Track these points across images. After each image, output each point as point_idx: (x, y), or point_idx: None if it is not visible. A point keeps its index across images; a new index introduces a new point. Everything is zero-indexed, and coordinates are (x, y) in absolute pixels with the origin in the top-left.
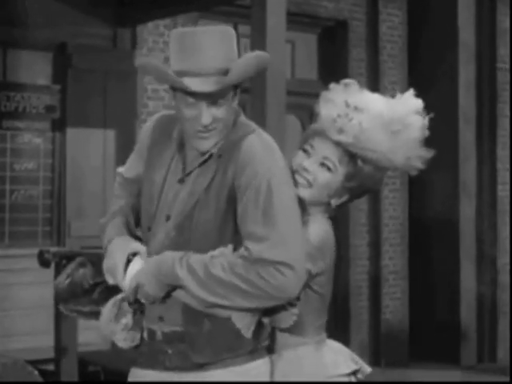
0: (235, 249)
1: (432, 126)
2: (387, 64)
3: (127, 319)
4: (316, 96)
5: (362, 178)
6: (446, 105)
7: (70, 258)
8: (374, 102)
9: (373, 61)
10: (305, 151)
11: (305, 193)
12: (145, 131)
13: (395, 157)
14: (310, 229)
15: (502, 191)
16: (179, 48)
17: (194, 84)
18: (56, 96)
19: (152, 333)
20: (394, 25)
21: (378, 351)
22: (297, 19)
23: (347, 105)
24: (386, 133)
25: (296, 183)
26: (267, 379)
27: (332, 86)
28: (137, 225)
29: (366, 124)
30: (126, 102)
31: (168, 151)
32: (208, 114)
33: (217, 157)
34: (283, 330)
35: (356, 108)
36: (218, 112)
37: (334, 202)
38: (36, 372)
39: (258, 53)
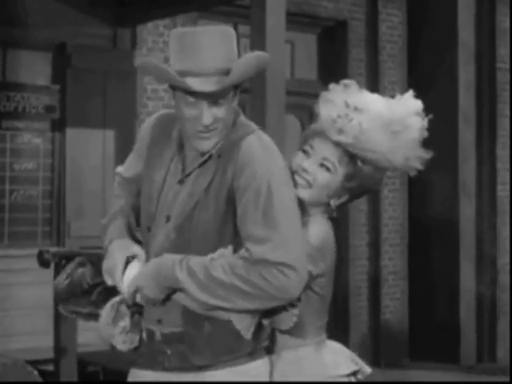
0: (235, 250)
1: (432, 126)
2: (387, 64)
3: (125, 322)
4: (316, 96)
5: (362, 179)
6: (445, 105)
7: (69, 258)
8: (374, 103)
9: (372, 61)
10: (304, 152)
11: (304, 193)
12: (144, 130)
13: (395, 157)
14: (310, 230)
15: (502, 191)
16: (179, 48)
17: (195, 84)
18: (55, 96)
19: (151, 333)
20: (393, 25)
21: (378, 351)
22: (296, 19)
23: (347, 105)
24: (386, 133)
25: (295, 184)
26: (266, 379)
27: (332, 86)
28: (138, 225)
29: (365, 124)
30: (125, 102)
31: (168, 151)
32: (209, 113)
33: (216, 157)
34: (283, 332)
35: (356, 108)
36: (219, 112)
37: (334, 203)
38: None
39: (257, 53)
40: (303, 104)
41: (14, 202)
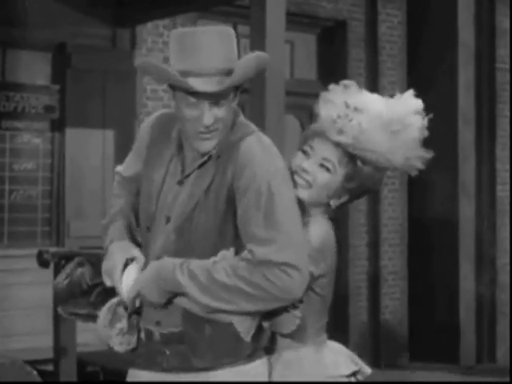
0: (236, 252)
1: (431, 126)
2: (386, 64)
3: (122, 324)
4: (315, 96)
5: (362, 179)
6: (445, 105)
7: (69, 258)
8: (374, 103)
9: (372, 61)
10: (304, 152)
11: (304, 194)
12: (144, 130)
13: (395, 157)
14: (311, 230)
15: (502, 191)
16: (179, 48)
17: (197, 84)
18: (55, 96)
19: (149, 334)
20: (393, 25)
21: (377, 351)
22: (296, 19)
23: (347, 105)
24: (386, 133)
25: (295, 184)
26: (266, 379)
27: (331, 86)
28: (137, 225)
29: (365, 125)
30: (125, 102)
31: (167, 151)
32: (210, 114)
33: (216, 158)
34: (284, 335)
35: (356, 109)
36: (220, 112)
37: (334, 203)
38: (35, 372)
39: (257, 53)
40: (303, 104)
41: (13, 202)
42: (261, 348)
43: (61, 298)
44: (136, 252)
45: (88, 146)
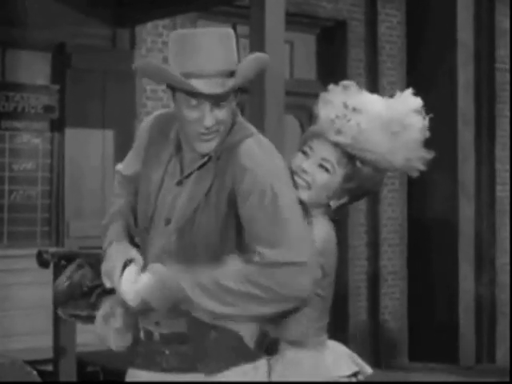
0: (237, 252)
1: (431, 126)
2: (386, 64)
3: (118, 323)
4: (315, 96)
5: (361, 180)
6: (444, 105)
7: (68, 258)
8: (373, 103)
9: (371, 61)
10: (304, 153)
11: (304, 194)
12: (142, 129)
13: (395, 158)
14: (313, 231)
15: (501, 192)
16: (179, 50)
17: (200, 85)
18: (55, 96)
19: (149, 333)
20: (392, 25)
21: (377, 352)
22: (295, 19)
23: (345, 106)
24: (385, 134)
25: (295, 185)
26: (266, 379)
27: (331, 87)
28: (136, 225)
29: (364, 125)
30: (124, 103)
31: (165, 151)
32: (211, 116)
33: (215, 159)
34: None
35: (354, 109)
36: (220, 114)
37: (333, 204)
38: (34, 372)
39: (258, 55)
40: (302, 104)
41: (13, 202)
42: (261, 349)
43: (61, 300)
44: (135, 253)
45: (88, 146)
